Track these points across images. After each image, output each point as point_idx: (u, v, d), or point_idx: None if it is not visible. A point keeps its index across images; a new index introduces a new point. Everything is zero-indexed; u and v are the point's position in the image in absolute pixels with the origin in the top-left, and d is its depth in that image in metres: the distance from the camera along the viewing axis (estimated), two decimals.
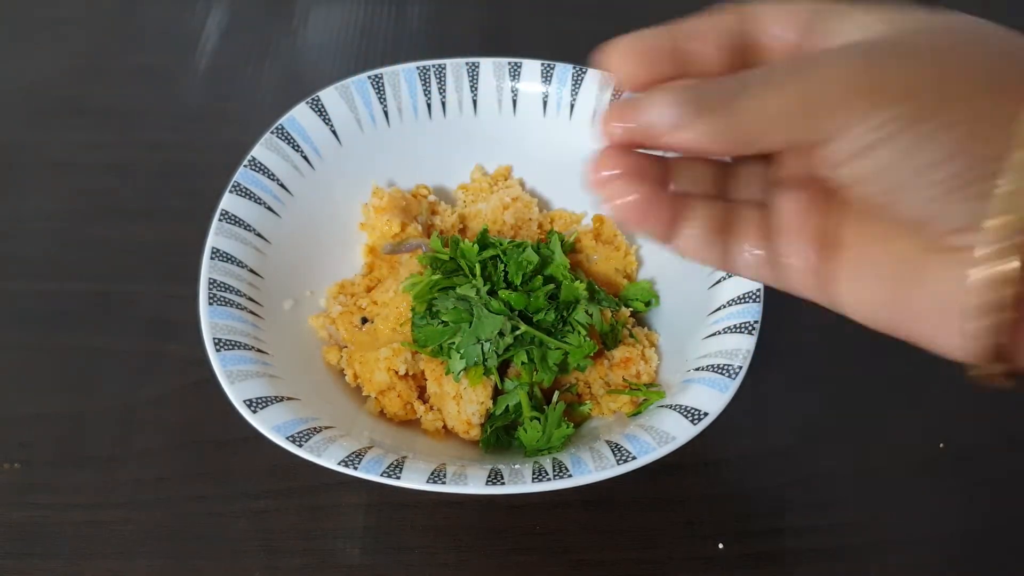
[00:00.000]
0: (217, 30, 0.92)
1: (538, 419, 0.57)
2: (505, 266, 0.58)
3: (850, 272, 0.32)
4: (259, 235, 0.61)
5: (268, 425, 0.50)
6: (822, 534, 0.59)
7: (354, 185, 0.68)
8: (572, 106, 0.68)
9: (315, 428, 0.51)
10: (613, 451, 0.50)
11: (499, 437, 0.58)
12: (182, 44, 0.90)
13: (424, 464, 0.50)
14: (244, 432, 0.51)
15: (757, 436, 0.64)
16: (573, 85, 0.68)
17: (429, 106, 0.69)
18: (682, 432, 0.50)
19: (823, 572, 0.58)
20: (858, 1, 0.31)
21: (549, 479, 0.48)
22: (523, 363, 0.56)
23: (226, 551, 0.58)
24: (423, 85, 0.69)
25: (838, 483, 0.62)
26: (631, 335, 0.61)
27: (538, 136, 0.70)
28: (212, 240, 0.58)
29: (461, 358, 0.55)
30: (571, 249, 0.66)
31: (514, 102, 0.70)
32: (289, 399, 0.53)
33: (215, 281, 0.56)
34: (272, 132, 0.64)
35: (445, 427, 0.60)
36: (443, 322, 0.56)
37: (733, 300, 0.56)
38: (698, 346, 0.57)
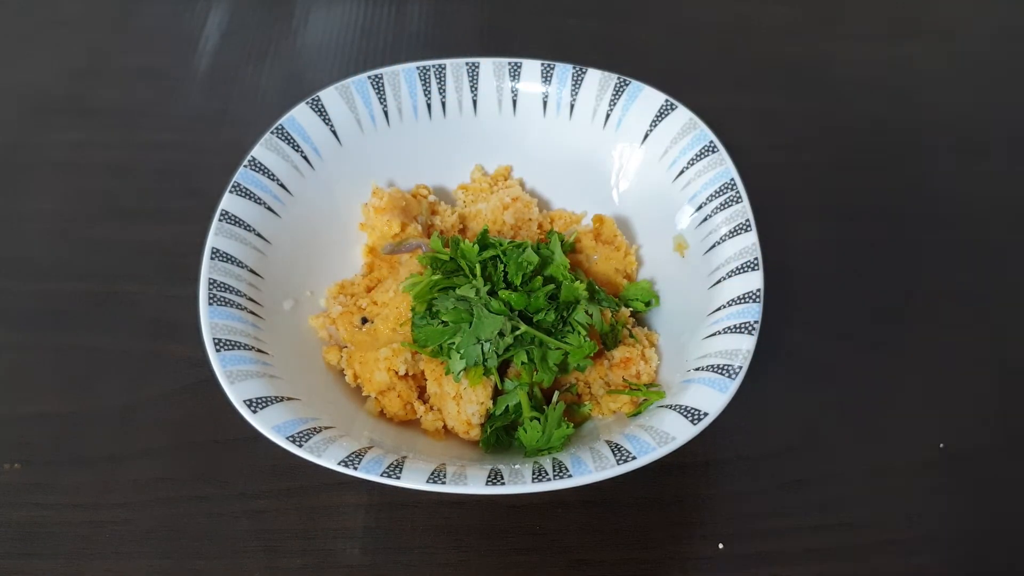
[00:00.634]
0: (217, 30, 0.92)
1: (538, 419, 0.56)
2: (505, 266, 0.58)
3: None
4: (259, 235, 0.61)
5: (268, 425, 0.50)
6: (822, 534, 0.59)
7: (354, 185, 0.68)
8: (572, 106, 0.68)
9: (315, 428, 0.51)
10: (613, 451, 0.50)
11: (499, 437, 0.58)
12: (182, 44, 0.90)
13: (424, 464, 0.50)
14: (244, 432, 0.51)
15: (757, 436, 0.64)
16: (573, 85, 0.68)
17: (429, 106, 0.69)
18: (682, 432, 0.50)
19: (823, 572, 0.58)
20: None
21: (549, 479, 0.48)
22: (523, 363, 0.56)
23: (226, 551, 0.58)
24: (423, 85, 0.69)
25: (838, 483, 0.62)
26: (631, 335, 0.61)
27: (538, 136, 0.70)
28: (212, 240, 0.58)
29: (461, 358, 0.55)
30: (571, 249, 0.66)
31: (514, 102, 0.70)
32: (289, 399, 0.53)
33: (215, 281, 0.56)
34: (272, 132, 0.64)
35: (445, 427, 0.59)
36: (443, 322, 0.56)
37: (733, 300, 0.56)
38: (698, 346, 0.57)
